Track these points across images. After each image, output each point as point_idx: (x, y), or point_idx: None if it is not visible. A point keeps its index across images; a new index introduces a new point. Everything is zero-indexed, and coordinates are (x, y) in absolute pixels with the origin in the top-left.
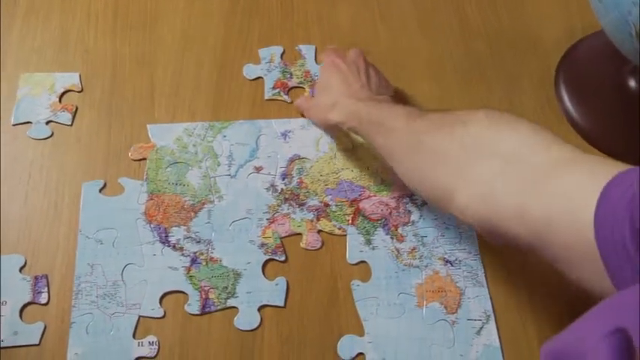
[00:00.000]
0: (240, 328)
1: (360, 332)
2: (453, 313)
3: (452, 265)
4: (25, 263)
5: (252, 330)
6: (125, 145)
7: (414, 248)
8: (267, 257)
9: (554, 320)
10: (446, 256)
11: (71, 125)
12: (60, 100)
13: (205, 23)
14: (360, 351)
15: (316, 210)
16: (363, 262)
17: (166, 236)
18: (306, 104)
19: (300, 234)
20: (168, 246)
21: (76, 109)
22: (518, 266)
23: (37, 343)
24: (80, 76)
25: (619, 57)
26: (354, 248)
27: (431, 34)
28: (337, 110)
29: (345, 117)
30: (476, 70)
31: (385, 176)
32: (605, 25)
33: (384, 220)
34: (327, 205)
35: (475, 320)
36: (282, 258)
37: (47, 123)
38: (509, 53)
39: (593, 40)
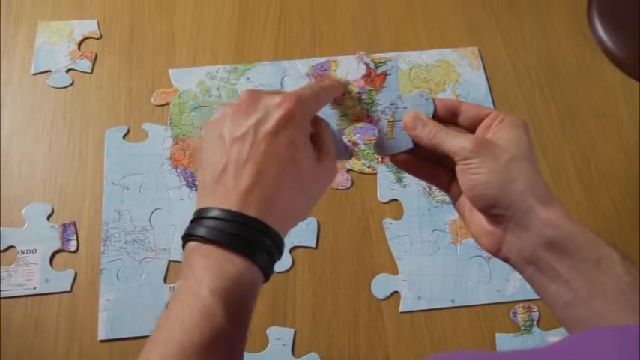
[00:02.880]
0: None
1: (394, 270)
2: None
3: None
4: (53, 211)
5: (284, 272)
6: (147, 90)
7: None
8: None
9: None
10: None
11: (91, 72)
12: (79, 48)
13: None
14: (395, 289)
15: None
16: (394, 200)
17: (193, 180)
18: None
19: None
20: (196, 190)
21: (96, 56)
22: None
23: (68, 289)
24: (98, 22)
25: None
26: (385, 186)
27: None
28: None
29: None
30: (505, 1)
31: None
32: None
33: None
34: (355, 144)
35: None
36: None
37: (67, 71)
38: None
39: None
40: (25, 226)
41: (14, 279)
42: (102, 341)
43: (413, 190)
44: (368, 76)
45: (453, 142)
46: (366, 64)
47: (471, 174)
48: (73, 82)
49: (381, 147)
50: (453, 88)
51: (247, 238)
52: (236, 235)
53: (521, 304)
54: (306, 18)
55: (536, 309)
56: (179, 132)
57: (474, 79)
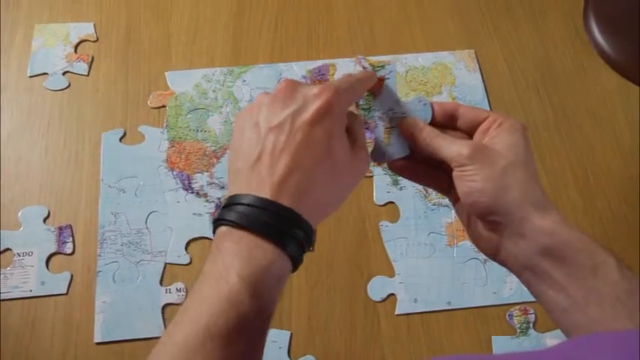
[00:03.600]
0: None
1: (391, 273)
2: None
3: None
4: (49, 214)
5: None
6: (143, 93)
7: None
8: None
9: None
10: None
11: (88, 75)
12: (75, 51)
13: None
14: (391, 292)
15: None
16: (390, 202)
17: (189, 183)
18: None
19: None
20: (192, 192)
21: (92, 58)
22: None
23: (64, 292)
24: (95, 25)
25: None
26: (381, 189)
27: None
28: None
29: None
30: (502, 4)
31: None
32: None
33: None
34: None
35: None
36: None
37: (64, 74)
38: None
39: None
40: (22, 228)
41: (10, 281)
42: (98, 344)
43: (409, 192)
44: None
45: (450, 148)
46: (364, 67)
47: (467, 180)
48: (69, 85)
49: (377, 153)
50: (449, 91)
51: (280, 226)
52: (268, 223)
53: (518, 307)
54: (302, 20)
55: (532, 311)
56: (175, 134)
57: (470, 81)
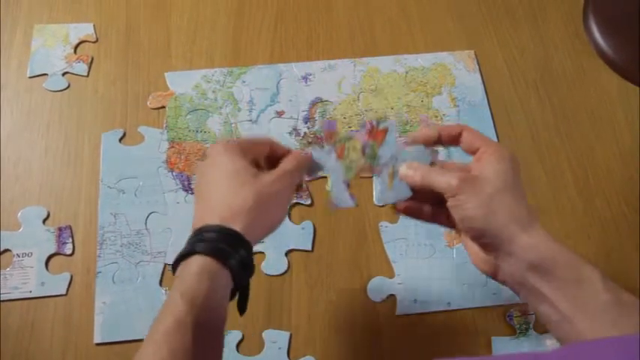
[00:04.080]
0: (268, 274)
1: (390, 274)
2: None
3: None
4: (49, 215)
5: (280, 275)
6: (143, 93)
7: None
8: (293, 201)
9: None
10: None
11: (87, 76)
12: (75, 51)
13: None
14: (391, 292)
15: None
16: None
17: (189, 184)
18: None
19: (325, 177)
20: (192, 193)
21: (92, 59)
22: (549, 202)
23: (64, 293)
24: (94, 26)
25: None
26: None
27: None
28: None
29: None
30: (502, 4)
31: (410, 116)
32: None
33: None
34: None
35: None
36: (308, 202)
37: (63, 74)
38: None
39: None
40: (21, 229)
41: (10, 282)
42: (98, 344)
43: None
44: (371, 132)
45: (441, 180)
46: (370, 122)
47: (459, 209)
48: (69, 86)
49: (382, 196)
50: (449, 92)
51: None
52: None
53: (517, 308)
54: (302, 21)
55: (532, 312)
56: (175, 135)
57: (470, 82)
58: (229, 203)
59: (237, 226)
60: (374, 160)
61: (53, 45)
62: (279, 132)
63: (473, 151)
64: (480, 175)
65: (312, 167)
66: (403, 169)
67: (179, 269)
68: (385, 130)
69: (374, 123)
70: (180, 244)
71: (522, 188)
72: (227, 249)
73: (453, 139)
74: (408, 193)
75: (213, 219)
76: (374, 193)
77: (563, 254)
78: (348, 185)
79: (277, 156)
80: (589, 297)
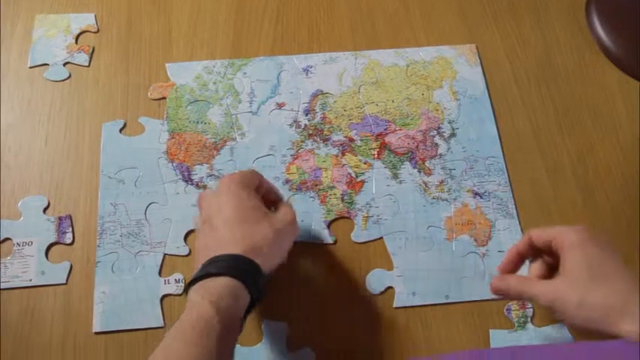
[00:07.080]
0: None
1: (389, 266)
2: (484, 245)
3: (481, 198)
4: (49, 204)
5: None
6: (144, 84)
7: (442, 181)
8: (292, 193)
9: None
10: (475, 189)
11: (88, 66)
12: (76, 41)
13: None
14: (390, 285)
15: (341, 145)
16: (389, 196)
17: (189, 174)
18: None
19: (325, 169)
20: (192, 184)
21: (93, 49)
22: (549, 197)
23: (64, 282)
24: (96, 16)
25: None
26: (381, 182)
27: None
28: None
29: None
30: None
31: (411, 110)
32: None
33: (410, 153)
34: (351, 140)
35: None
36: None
37: (64, 64)
38: None
39: None
40: (21, 218)
41: (10, 271)
42: (97, 333)
43: (408, 186)
44: (350, 182)
45: (532, 292)
46: (349, 174)
47: (558, 315)
48: (69, 76)
49: (356, 236)
50: (450, 86)
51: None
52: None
53: (516, 301)
54: (303, 13)
55: (530, 306)
56: (175, 126)
57: (471, 76)
58: (251, 237)
59: (257, 259)
60: (350, 206)
61: (54, 35)
62: (280, 124)
63: (548, 246)
64: (565, 276)
65: None
66: (494, 283)
67: (201, 283)
68: (362, 182)
69: (352, 175)
70: (179, 234)
71: (613, 262)
72: (250, 277)
73: (534, 250)
74: (380, 234)
75: (235, 249)
76: (373, 186)
77: None
78: (328, 225)
79: (262, 190)
80: None
